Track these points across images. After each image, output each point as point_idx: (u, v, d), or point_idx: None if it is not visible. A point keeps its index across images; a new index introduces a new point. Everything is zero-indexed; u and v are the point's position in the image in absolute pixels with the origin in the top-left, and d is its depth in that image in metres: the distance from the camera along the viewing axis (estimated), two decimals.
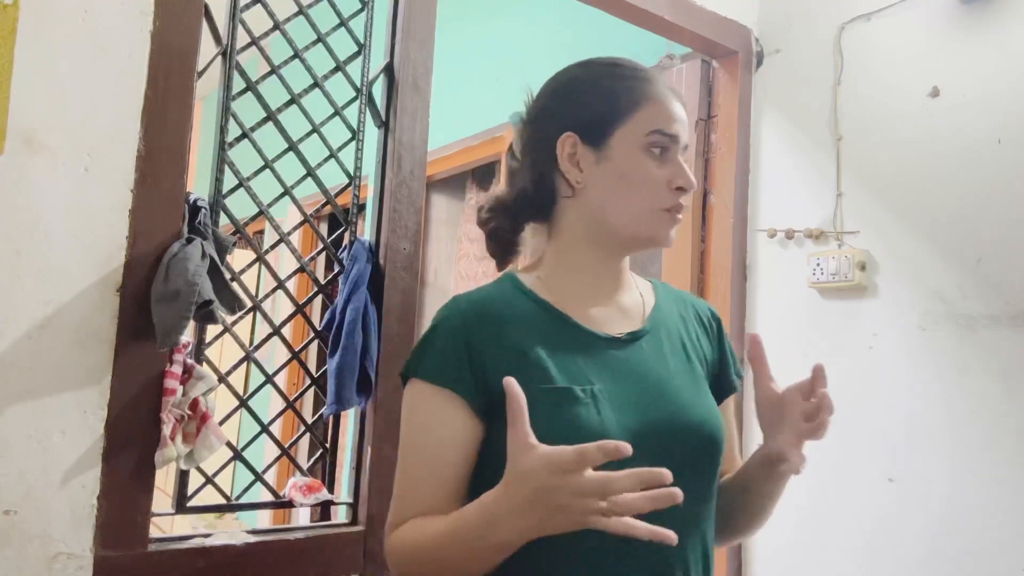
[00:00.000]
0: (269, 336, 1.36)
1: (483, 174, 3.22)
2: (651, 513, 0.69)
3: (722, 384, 1.00)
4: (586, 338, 0.89)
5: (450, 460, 0.84)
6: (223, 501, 1.26)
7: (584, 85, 0.94)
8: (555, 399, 0.83)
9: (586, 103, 0.93)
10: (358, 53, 1.41)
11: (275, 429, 1.39)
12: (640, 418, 0.85)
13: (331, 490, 1.36)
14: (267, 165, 1.33)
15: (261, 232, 4.10)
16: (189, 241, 1.12)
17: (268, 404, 1.83)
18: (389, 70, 1.43)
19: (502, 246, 1.00)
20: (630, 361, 0.89)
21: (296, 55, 1.35)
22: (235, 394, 1.32)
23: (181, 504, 1.22)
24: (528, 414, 0.74)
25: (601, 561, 0.81)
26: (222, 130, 1.27)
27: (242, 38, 1.29)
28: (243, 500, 1.30)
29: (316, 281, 1.40)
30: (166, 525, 2.45)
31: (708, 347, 1.00)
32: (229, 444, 1.24)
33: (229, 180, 1.28)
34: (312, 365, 1.47)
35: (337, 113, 1.39)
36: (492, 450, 0.84)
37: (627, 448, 0.67)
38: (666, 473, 0.68)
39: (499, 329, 0.87)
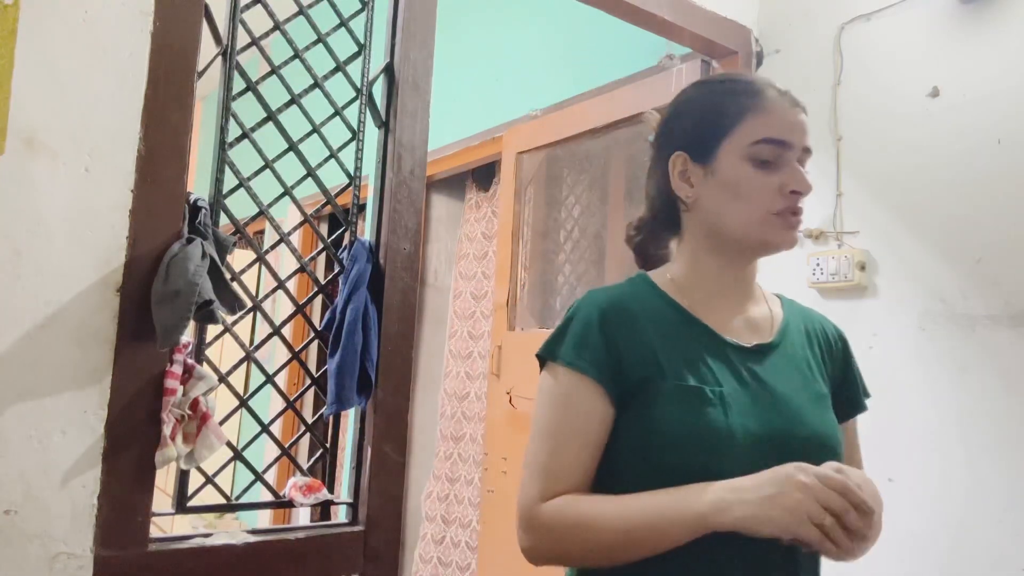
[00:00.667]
0: (269, 336, 1.36)
1: (483, 174, 3.22)
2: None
3: (847, 403, 1.02)
4: (715, 343, 0.92)
5: (593, 443, 0.89)
6: (223, 501, 1.26)
7: (692, 105, 0.99)
8: (686, 397, 0.87)
9: (693, 122, 0.97)
10: (358, 53, 1.41)
11: (275, 429, 1.39)
12: (763, 426, 0.87)
13: (331, 490, 1.36)
14: (267, 165, 1.33)
15: (261, 232, 4.11)
16: (189, 241, 1.12)
17: (268, 404, 1.83)
18: (389, 70, 1.43)
19: (649, 261, 1.06)
20: (756, 372, 0.91)
21: (296, 55, 1.35)
22: (235, 394, 1.32)
23: (181, 504, 1.22)
24: (657, 407, 0.86)
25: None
26: (222, 130, 1.27)
27: (242, 38, 1.29)
28: (243, 500, 1.30)
29: (316, 281, 1.40)
30: (166, 525, 2.45)
31: (832, 366, 1.01)
32: (229, 444, 1.24)
33: (229, 180, 1.28)
34: (312, 365, 1.48)
35: (337, 113, 1.39)
36: (618, 437, 0.90)
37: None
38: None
39: (634, 324, 0.91)
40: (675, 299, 0.96)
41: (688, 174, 0.97)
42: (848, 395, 1.02)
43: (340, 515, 1.38)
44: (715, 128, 0.95)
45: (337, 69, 1.39)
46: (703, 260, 0.98)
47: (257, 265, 1.36)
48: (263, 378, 1.35)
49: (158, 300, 1.07)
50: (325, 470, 1.41)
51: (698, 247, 0.98)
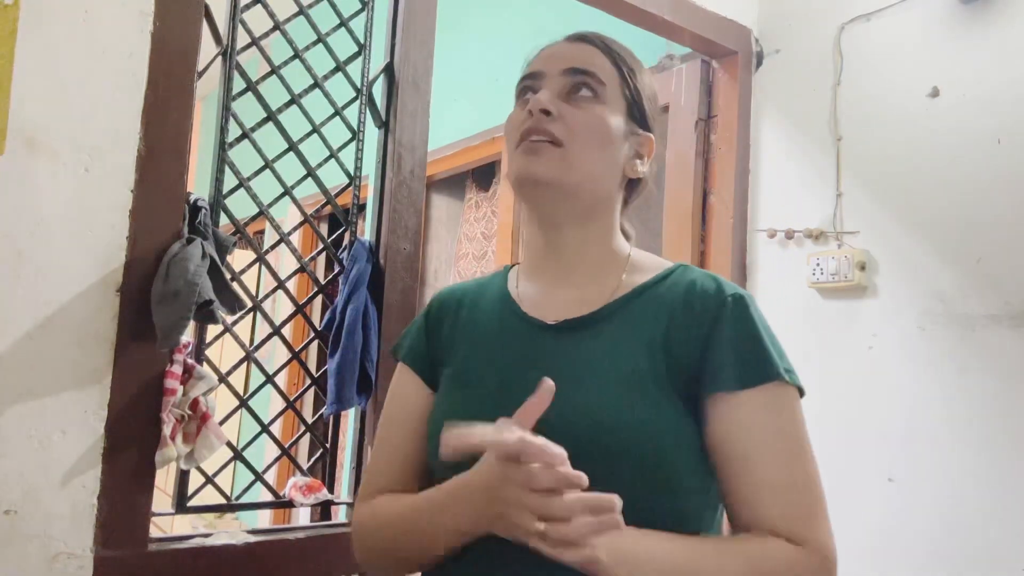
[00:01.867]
0: (269, 336, 1.36)
1: (483, 174, 3.22)
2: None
3: (707, 377, 0.76)
4: (519, 325, 0.84)
5: (414, 432, 0.87)
6: (223, 501, 1.26)
7: None
8: (450, 385, 0.85)
9: None
10: (358, 53, 1.41)
11: (275, 429, 1.39)
12: (502, 414, 0.71)
13: (331, 490, 1.36)
14: (267, 165, 1.33)
15: (261, 232, 4.10)
16: (189, 241, 1.12)
17: (268, 404, 1.83)
18: (389, 70, 1.43)
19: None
20: (556, 351, 0.79)
21: (296, 55, 1.35)
22: (235, 394, 1.32)
23: (181, 504, 1.22)
24: (437, 398, 0.85)
25: None
26: (222, 130, 1.27)
27: (242, 38, 1.29)
28: (243, 500, 1.30)
29: (316, 281, 1.40)
30: (166, 525, 2.45)
31: (689, 338, 0.77)
32: (229, 444, 1.24)
33: (229, 180, 1.28)
34: (312, 365, 1.47)
35: (337, 113, 1.39)
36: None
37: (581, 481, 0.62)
38: (616, 503, 0.62)
39: (459, 314, 0.90)
40: (508, 284, 0.90)
41: None
42: (711, 368, 0.75)
43: (340, 515, 1.38)
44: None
45: (337, 69, 1.39)
46: (526, 230, 0.90)
47: (257, 265, 1.36)
48: (263, 378, 1.35)
49: (158, 300, 1.07)
50: (325, 470, 1.41)
51: (522, 215, 0.93)
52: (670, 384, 0.75)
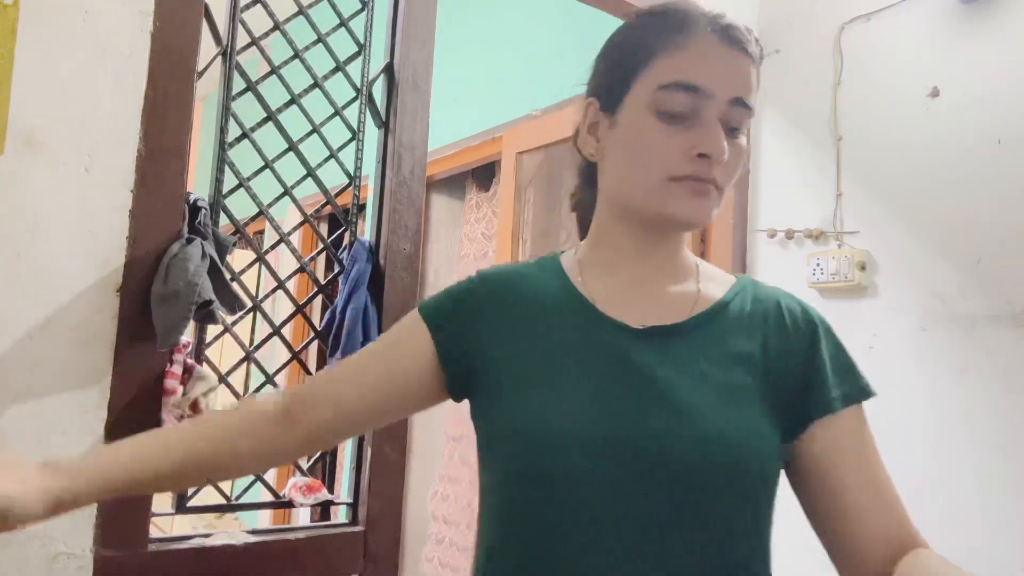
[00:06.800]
0: (269, 336, 1.36)
1: (483, 174, 3.22)
2: (620, 553, 0.68)
3: (809, 403, 0.76)
4: (595, 323, 0.77)
5: (376, 367, 0.82)
6: (223, 501, 1.26)
7: (611, 42, 0.81)
8: (517, 383, 0.76)
9: (606, 63, 0.81)
10: (358, 53, 1.41)
11: None
12: (622, 421, 0.71)
13: (331, 490, 1.36)
14: (267, 165, 1.33)
15: (261, 232, 4.11)
16: (189, 241, 1.12)
17: None
18: (389, 70, 1.43)
19: (583, 227, 0.89)
20: (642, 357, 0.74)
21: (296, 55, 1.35)
22: (235, 394, 1.32)
23: (181, 504, 1.22)
24: (500, 396, 0.76)
25: None
26: (222, 130, 1.27)
27: (242, 38, 1.29)
28: (243, 500, 1.30)
29: (316, 281, 1.40)
30: (166, 525, 2.45)
31: (788, 358, 0.78)
32: None
33: (229, 180, 1.28)
34: (312, 365, 1.47)
35: (337, 113, 1.39)
36: (477, 425, 0.80)
37: None
38: None
39: (512, 300, 0.81)
40: (571, 278, 0.81)
41: (597, 126, 0.80)
42: (812, 392, 0.77)
43: (340, 515, 1.38)
44: (624, 69, 0.77)
45: (337, 69, 1.39)
46: (609, 229, 0.81)
47: (257, 265, 1.36)
48: (263, 378, 1.35)
49: (158, 300, 1.07)
50: (325, 470, 1.41)
51: (604, 213, 0.82)
52: (767, 401, 0.75)
